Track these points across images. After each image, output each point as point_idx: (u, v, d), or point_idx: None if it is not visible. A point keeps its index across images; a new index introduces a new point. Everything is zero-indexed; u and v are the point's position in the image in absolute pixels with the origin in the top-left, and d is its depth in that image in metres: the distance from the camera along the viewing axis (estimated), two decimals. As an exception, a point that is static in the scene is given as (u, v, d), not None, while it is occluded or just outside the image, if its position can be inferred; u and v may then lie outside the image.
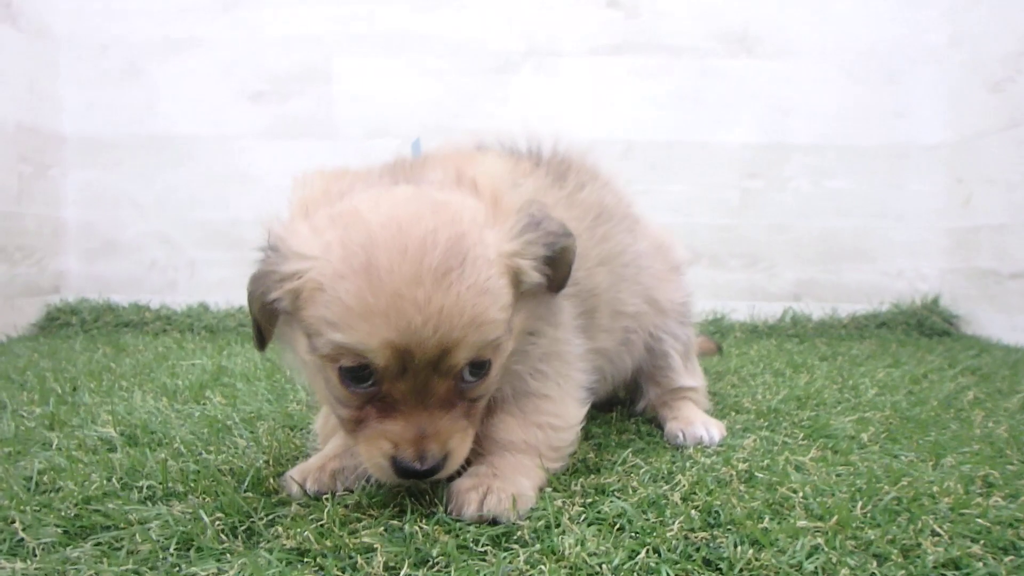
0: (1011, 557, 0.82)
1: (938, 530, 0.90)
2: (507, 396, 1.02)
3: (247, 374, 1.81)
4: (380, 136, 3.16)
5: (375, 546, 0.77)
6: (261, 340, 0.96)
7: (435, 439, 0.85)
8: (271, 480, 0.98)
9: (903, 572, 0.78)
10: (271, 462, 1.07)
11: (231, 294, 3.13)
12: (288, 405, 1.50)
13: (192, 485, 0.94)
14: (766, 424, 1.44)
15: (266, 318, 0.92)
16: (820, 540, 0.85)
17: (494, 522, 0.87)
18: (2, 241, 2.76)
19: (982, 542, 0.86)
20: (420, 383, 0.83)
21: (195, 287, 3.17)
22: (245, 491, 0.94)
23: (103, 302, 3.05)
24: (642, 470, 1.10)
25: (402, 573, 0.73)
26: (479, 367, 0.86)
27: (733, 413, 1.52)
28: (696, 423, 1.33)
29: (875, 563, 0.80)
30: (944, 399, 1.68)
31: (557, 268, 0.94)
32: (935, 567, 0.80)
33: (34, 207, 2.96)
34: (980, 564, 0.80)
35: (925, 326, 2.97)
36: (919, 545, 0.86)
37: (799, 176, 3.16)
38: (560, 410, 1.05)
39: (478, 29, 3.13)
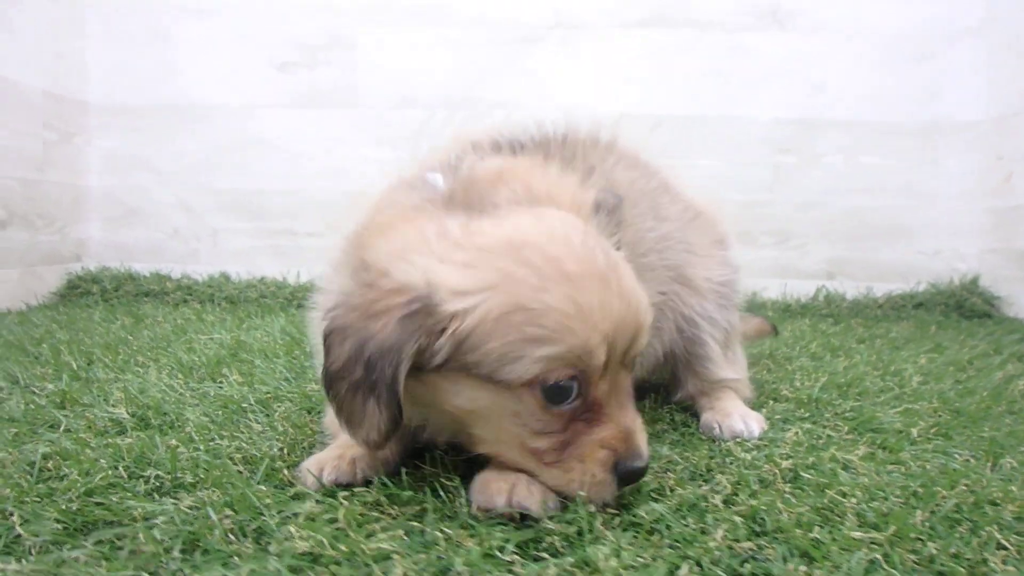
0: (1092, 579, 0.75)
1: (1004, 543, 0.83)
2: None
3: (265, 350, 1.76)
4: (404, 107, 3.08)
5: (393, 554, 0.71)
6: (394, 418, 0.82)
7: (641, 433, 0.87)
8: (286, 471, 0.93)
9: (974, 596, 0.71)
10: (286, 450, 1.02)
11: (252, 264, 3.10)
12: (307, 385, 1.44)
13: (202, 476, 0.89)
14: (807, 415, 1.36)
15: (393, 381, 0.79)
16: (877, 554, 0.78)
17: (523, 516, 0.83)
18: (24, 208, 2.74)
19: (1056, 561, 0.78)
20: (615, 382, 0.86)
21: (217, 256, 3.14)
22: (258, 483, 0.89)
23: (124, 271, 3.03)
24: (679, 467, 1.03)
25: (422, 584, 0.67)
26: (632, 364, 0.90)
27: (771, 402, 1.44)
28: (734, 415, 1.25)
29: (941, 583, 0.73)
30: (994, 390, 1.59)
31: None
32: (1008, 589, 0.72)
33: (56, 174, 2.93)
34: (1058, 587, 0.72)
35: (965, 307, 2.85)
36: (985, 561, 0.78)
37: (832, 152, 3.03)
38: None
39: (504, 1, 3.04)
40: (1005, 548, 0.82)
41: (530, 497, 0.83)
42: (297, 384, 1.45)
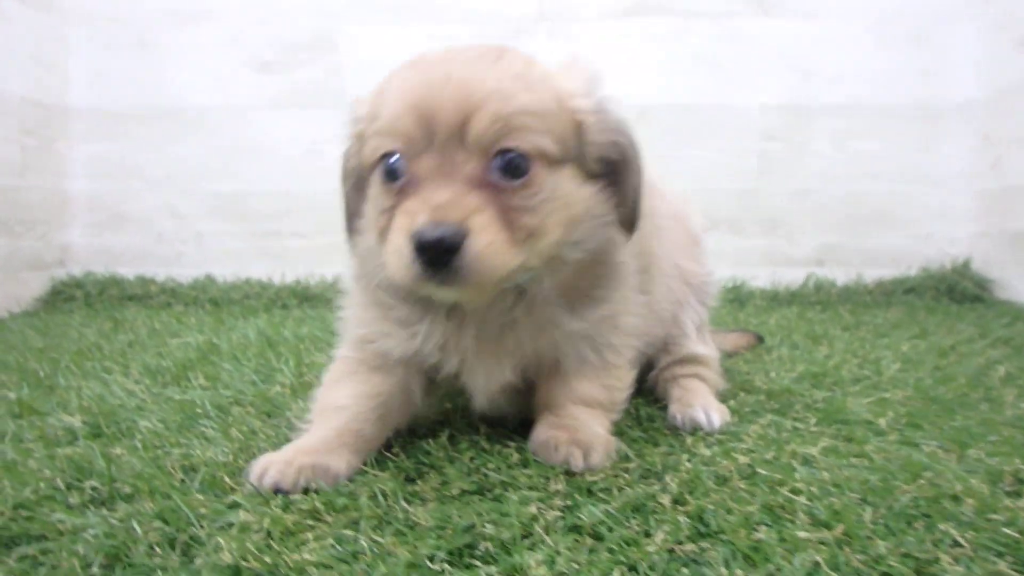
0: (1042, 578, 0.72)
1: (960, 540, 0.80)
2: (576, 368, 1.09)
3: (237, 352, 1.75)
4: None
5: (317, 565, 0.70)
6: (350, 220, 1.06)
7: (452, 207, 0.83)
8: (227, 479, 0.91)
9: (915, 597, 0.69)
10: (233, 457, 1.00)
11: (238, 265, 3.10)
12: (272, 388, 1.43)
13: (140, 486, 0.87)
14: (777, 407, 1.33)
15: (353, 193, 1.03)
16: (823, 555, 0.76)
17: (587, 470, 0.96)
18: (4, 214, 2.73)
19: (1009, 558, 0.76)
20: (447, 159, 0.86)
21: (202, 259, 3.13)
22: (196, 492, 0.87)
23: (108, 275, 3.03)
24: (632, 466, 1.01)
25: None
26: (514, 163, 0.87)
27: (742, 393, 1.42)
28: (696, 406, 1.24)
29: (884, 585, 0.71)
30: (973, 375, 1.56)
31: (621, 185, 0.98)
32: (953, 590, 0.70)
33: (38, 179, 2.92)
34: (1005, 587, 0.70)
35: (956, 291, 2.81)
36: (937, 560, 0.76)
37: (821, 138, 3.00)
38: (622, 375, 1.15)
39: None
40: (960, 546, 0.79)
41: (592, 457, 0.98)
42: (263, 388, 1.43)
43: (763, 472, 1.00)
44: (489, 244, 0.83)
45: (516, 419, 1.17)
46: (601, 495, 0.91)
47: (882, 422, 1.23)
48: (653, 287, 1.20)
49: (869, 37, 2.95)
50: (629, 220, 1.00)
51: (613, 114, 0.97)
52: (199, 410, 1.23)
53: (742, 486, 0.96)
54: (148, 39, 3.07)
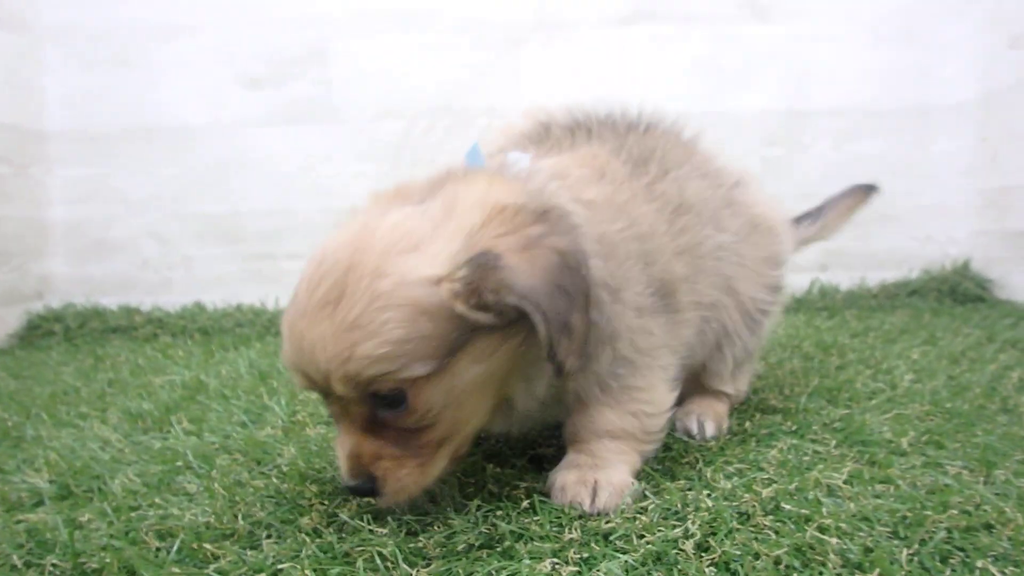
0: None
1: (1000, 577, 0.74)
2: (596, 394, 1.03)
3: (226, 390, 1.67)
4: (384, 118, 2.97)
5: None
6: None
7: (358, 460, 0.87)
8: (208, 545, 0.84)
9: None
10: (215, 519, 0.92)
11: (229, 291, 2.99)
12: (262, 430, 1.35)
13: (109, 561, 0.80)
14: (795, 428, 1.27)
15: None
16: (863, 606, 0.69)
17: (603, 514, 0.92)
18: (-25, 248, 2.64)
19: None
20: (341, 406, 0.87)
21: (191, 285, 3.02)
22: (174, 564, 0.80)
23: (90, 307, 2.92)
24: (651, 508, 0.94)
25: None
26: (389, 400, 0.84)
27: (759, 414, 1.36)
28: (692, 415, 1.24)
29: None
30: (987, 385, 1.50)
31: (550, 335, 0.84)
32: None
33: (12, 209, 2.82)
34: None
35: (958, 292, 2.77)
36: (982, 606, 0.70)
37: (821, 141, 2.95)
38: (651, 397, 1.06)
39: (482, 2, 2.94)
40: (1003, 586, 0.74)
41: (610, 500, 0.94)
42: (252, 430, 1.35)
43: (788, 507, 0.94)
44: (397, 483, 0.87)
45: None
46: (619, 543, 0.85)
47: (904, 442, 1.17)
48: (682, 305, 1.11)
49: (864, 39, 2.92)
50: (555, 361, 0.85)
51: (495, 287, 0.81)
52: (180, 462, 1.15)
53: (767, 523, 0.90)
54: (129, 56, 2.96)
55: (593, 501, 0.94)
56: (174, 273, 3.04)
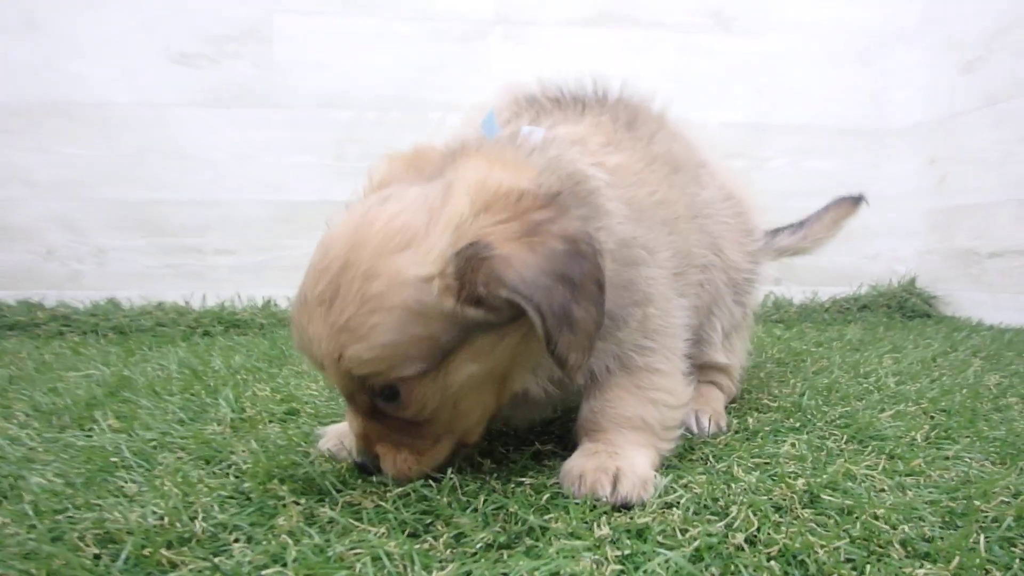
0: None
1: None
2: (614, 371, 0.96)
3: (156, 386, 1.46)
4: (331, 106, 2.76)
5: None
6: None
7: (364, 440, 0.88)
8: (164, 551, 0.67)
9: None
10: (168, 519, 0.75)
11: (149, 288, 2.67)
12: (207, 427, 1.17)
13: (36, 571, 0.62)
14: (797, 425, 1.21)
15: None
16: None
17: (625, 506, 0.82)
18: None
19: None
20: (348, 392, 0.86)
21: (104, 280, 2.69)
22: (121, 574, 0.63)
23: (-14, 302, 2.58)
24: (683, 499, 0.83)
25: None
26: (385, 393, 0.83)
27: (756, 412, 1.29)
28: (690, 413, 1.18)
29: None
30: (970, 387, 1.50)
31: (547, 331, 0.77)
32: None
33: None
34: None
35: (906, 308, 2.84)
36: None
37: (778, 156, 2.98)
38: (672, 386, 0.99)
39: None
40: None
41: (633, 491, 0.84)
42: (194, 427, 1.17)
43: (827, 498, 0.86)
44: (395, 467, 0.87)
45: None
46: (661, 539, 0.73)
47: (917, 436, 1.13)
48: (690, 289, 1.08)
49: (822, 58, 2.98)
50: (558, 359, 0.79)
51: (486, 280, 0.76)
52: (114, 459, 0.97)
53: (808, 515, 0.82)
54: (38, 21, 2.64)
55: (615, 490, 0.84)
56: (84, 265, 2.71)
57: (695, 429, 1.17)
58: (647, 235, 0.95)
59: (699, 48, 2.93)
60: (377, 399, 0.84)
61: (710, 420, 1.18)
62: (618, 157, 1.00)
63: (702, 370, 1.27)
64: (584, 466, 0.87)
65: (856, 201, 1.77)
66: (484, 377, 0.85)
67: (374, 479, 0.89)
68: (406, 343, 0.79)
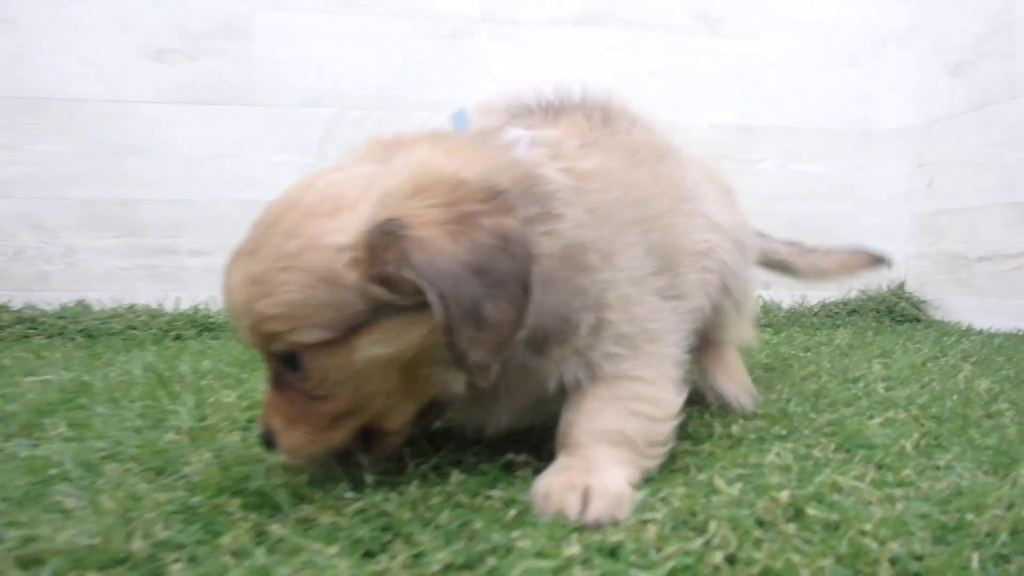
0: None
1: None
2: (584, 381, 0.91)
3: (116, 392, 1.40)
4: (312, 105, 2.71)
5: None
6: None
7: (268, 408, 0.87)
8: (93, 573, 0.62)
9: None
10: (104, 538, 0.70)
11: (121, 289, 2.59)
12: (163, 436, 1.11)
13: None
14: (784, 432, 1.16)
15: None
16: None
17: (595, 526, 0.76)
18: None
19: None
20: (263, 357, 0.87)
21: (73, 281, 2.61)
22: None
23: (-53, 304, 2.49)
24: (660, 515, 0.78)
25: None
26: (284, 359, 0.83)
27: (741, 419, 1.24)
28: (728, 383, 1.30)
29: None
30: (961, 392, 1.46)
31: (447, 321, 0.75)
32: None
33: None
34: None
35: (895, 312, 2.82)
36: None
37: (767, 159, 2.95)
38: (657, 395, 0.93)
39: None
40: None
41: (606, 511, 0.78)
42: (150, 436, 1.11)
43: (812, 512, 0.81)
44: (288, 442, 0.85)
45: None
46: (634, 558, 0.68)
47: (907, 445, 1.08)
48: (685, 287, 1.04)
49: (810, 59, 2.96)
50: (457, 357, 0.76)
51: (394, 258, 0.75)
52: (55, 470, 0.91)
53: (792, 531, 0.77)
54: (12, 15, 2.57)
55: (584, 510, 0.78)
56: (53, 266, 2.62)
57: (735, 407, 1.26)
58: (608, 238, 0.91)
59: (686, 49, 2.90)
60: (283, 366, 0.84)
61: (742, 398, 1.28)
62: (592, 160, 0.97)
63: (722, 344, 1.33)
64: (552, 484, 0.82)
65: (878, 260, 1.71)
66: (389, 362, 0.81)
67: (326, 492, 0.84)
68: (311, 307, 0.78)
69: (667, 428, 0.93)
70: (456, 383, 0.85)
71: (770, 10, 2.95)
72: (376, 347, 0.80)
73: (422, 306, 0.76)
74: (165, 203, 2.67)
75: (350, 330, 0.79)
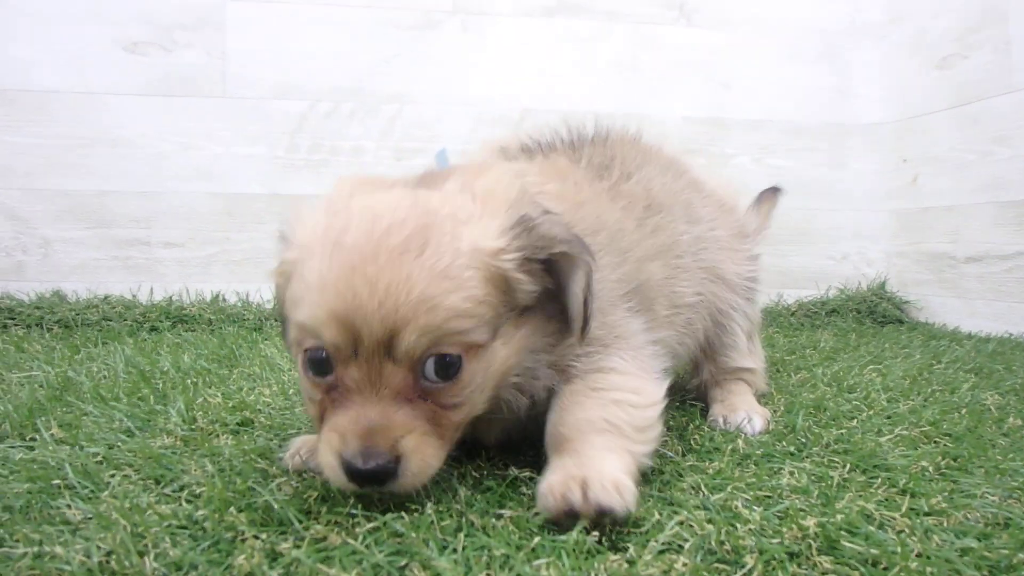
0: None
1: None
2: (558, 383, 0.93)
3: (102, 390, 1.33)
4: (283, 97, 2.67)
5: None
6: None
7: (383, 434, 0.76)
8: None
9: None
10: (117, 557, 0.65)
11: (94, 280, 2.56)
12: (156, 439, 1.06)
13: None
14: (792, 450, 1.13)
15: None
16: None
17: (602, 514, 0.76)
18: None
19: None
20: (374, 370, 0.78)
21: (48, 272, 2.56)
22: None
23: (-80, 291, 2.40)
24: (687, 544, 0.74)
25: None
26: (446, 365, 0.79)
27: (744, 434, 1.21)
28: (740, 411, 1.27)
29: None
30: (969, 406, 1.42)
31: (568, 287, 0.87)
32: None
33: None
34: None
35: (876, 313, 2.80)
36: None
37: (741, 153, 2.92)
38: (635, 384, 0.94)
39: None
40: None
41: (607, 495, 0.77)
42: (143, 439, 1.05)
43: (847, 544, 0.77)
44: (422, 461, 0.79)
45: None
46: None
47: (928, 467, 1.04)
48: (654, 304, 1.11)
49: (785, 53, 2.93)
50: (578, 322, 0.87)
51: (537, 232, 0.86)
52: (56, 479, 0.86)
53: (828, 565, 0.73)
54: None
55: (585, 496, 0.77)
56: (29, 256, 2.58)
57: (748, 430, 1.22)
58: None
59: (660, 40, 2.87)
60: (434, 376, 0.79)
61: (755, 418, 1.25)
62: (556, 186, 1.05)
63: (728, 373, 1.37)
64: (552, 482, 0.81)
65: (775, 191, 1.87)
66: (505, 366, 0.86)
67: (343, 510, 0.78)
68: (485, 305, 0.80)
69: (651, 413, 0.93)
70: (507, 391, 0.90)
71: (745, 1, 2.91)
72: (504, 349, 0.84)
73: (531, 306, 0.86)
74: (137, 195, 2.61)
75: (495, 332, 0.82)
